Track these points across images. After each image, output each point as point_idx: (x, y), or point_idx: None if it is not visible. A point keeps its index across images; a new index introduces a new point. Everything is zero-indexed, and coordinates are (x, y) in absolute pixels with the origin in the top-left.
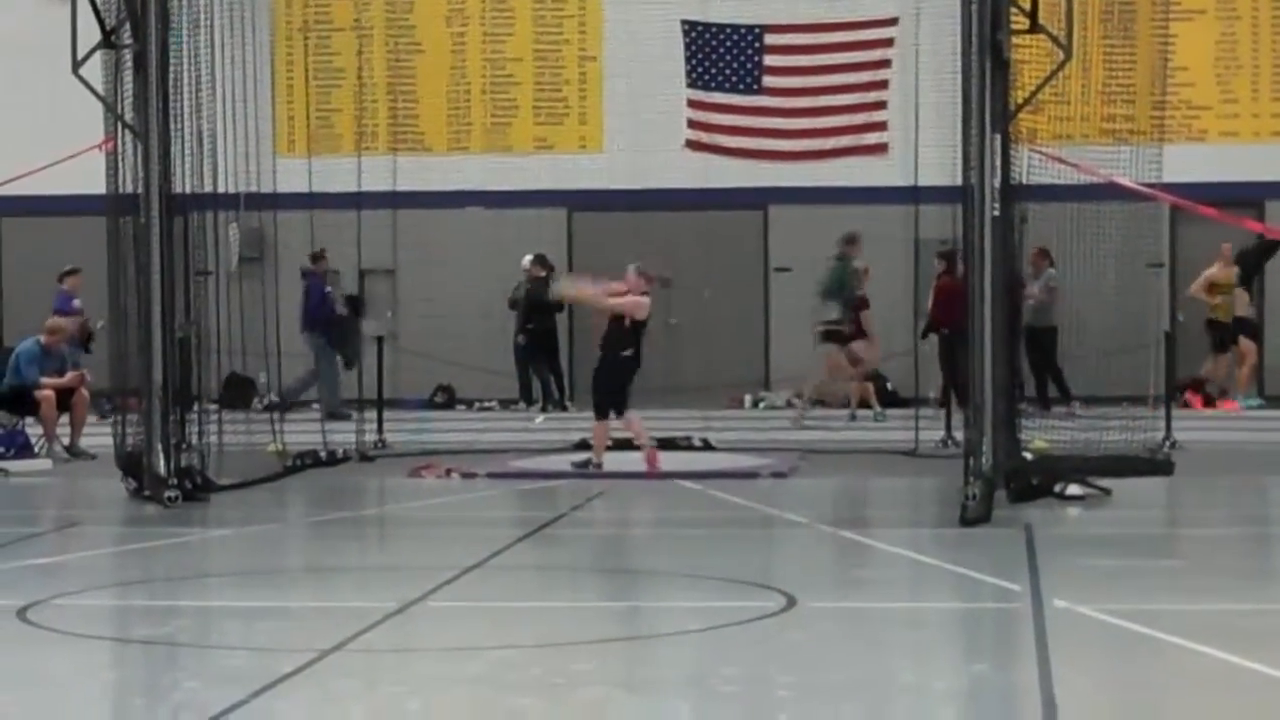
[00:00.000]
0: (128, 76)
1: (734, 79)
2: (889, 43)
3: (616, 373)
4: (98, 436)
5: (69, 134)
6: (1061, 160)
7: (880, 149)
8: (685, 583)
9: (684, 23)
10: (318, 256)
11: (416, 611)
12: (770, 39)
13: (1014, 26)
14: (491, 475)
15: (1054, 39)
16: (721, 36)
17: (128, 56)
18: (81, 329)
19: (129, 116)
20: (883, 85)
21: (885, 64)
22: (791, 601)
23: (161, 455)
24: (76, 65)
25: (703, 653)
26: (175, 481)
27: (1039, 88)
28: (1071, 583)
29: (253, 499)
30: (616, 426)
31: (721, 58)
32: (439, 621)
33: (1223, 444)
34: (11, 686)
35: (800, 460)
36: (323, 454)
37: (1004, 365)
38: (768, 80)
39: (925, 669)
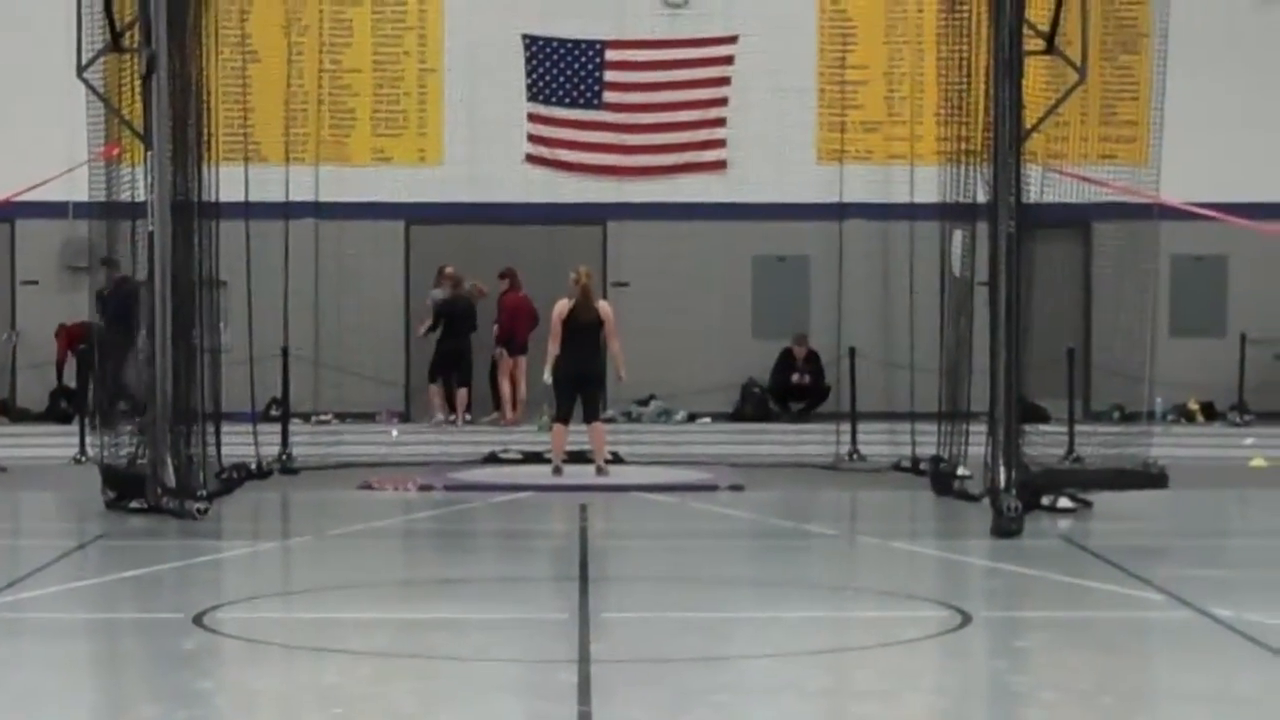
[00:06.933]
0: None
1: (575, 94)
2: (729, 59)
3: None
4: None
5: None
6: (1086, 179)
7: (719, 166)
8: (840, 594)
9: (525, 37)
10: None
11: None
12: (611, 55)
13: (1029, 48)
14: (450, 489)
15: (1068, 61)
16: (562, 51)
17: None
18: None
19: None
20: (722, 103)
21: (725, 81)
22: (965, 615)
23: (171, 468)
24: (81, 69)
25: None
26: (204, 493)
27: (1052, 108)
28: (1201, 591)
29: (235, 513)
30: None
31: (563, 72)
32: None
33: (1200, 460)
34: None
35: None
36: (252, 466)
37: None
38: (608, 96)
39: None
